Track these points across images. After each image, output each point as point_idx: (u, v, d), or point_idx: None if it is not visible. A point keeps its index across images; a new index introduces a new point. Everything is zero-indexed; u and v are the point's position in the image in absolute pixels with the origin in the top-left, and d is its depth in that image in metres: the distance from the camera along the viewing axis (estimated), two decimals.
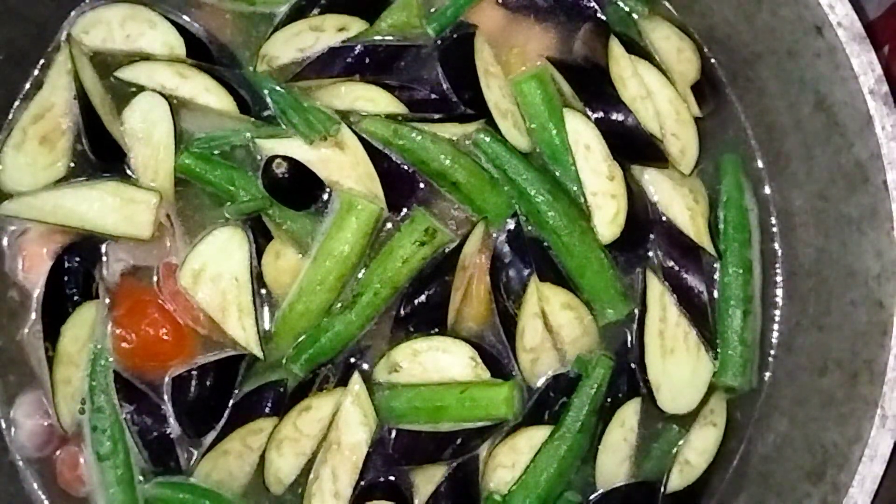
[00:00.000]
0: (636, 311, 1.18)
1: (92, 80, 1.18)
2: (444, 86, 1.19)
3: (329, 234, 1.15)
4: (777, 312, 1.23)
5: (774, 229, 1.24)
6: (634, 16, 1.24)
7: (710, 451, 1.19)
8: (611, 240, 1.17)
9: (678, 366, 1.17)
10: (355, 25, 1.19)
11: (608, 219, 1.16)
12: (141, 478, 1.17)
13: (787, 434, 1.16)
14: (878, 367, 1.01)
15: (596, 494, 1.18)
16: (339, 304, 1.16)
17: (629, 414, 1.17)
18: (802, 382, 1.16)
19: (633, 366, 1.18)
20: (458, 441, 1.15)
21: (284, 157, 1.13)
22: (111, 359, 1.16)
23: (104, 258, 1.18)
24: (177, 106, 1.17)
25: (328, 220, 1.16)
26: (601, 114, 1.16)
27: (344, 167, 1.16)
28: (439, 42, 1.21)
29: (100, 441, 1.16)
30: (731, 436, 1.21)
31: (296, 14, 1.20)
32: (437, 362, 1.14)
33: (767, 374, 1.23)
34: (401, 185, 1.18)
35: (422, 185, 1.19)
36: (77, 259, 1.17)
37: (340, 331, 1.15)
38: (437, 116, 1.17)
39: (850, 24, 1.01)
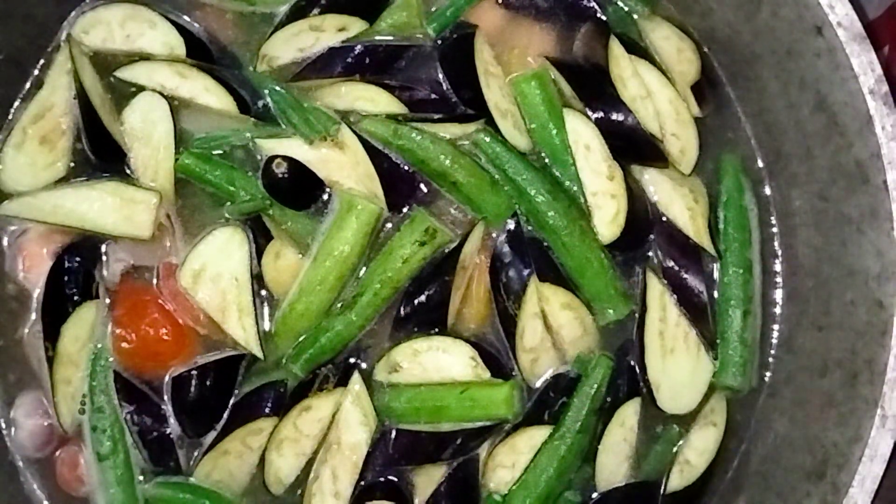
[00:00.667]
0: (636, 311, 1.18)
1: (92, 80, 1.18)
2: (444, 86, 1.19)
3: (329, 234, 1.15)
4: (777, 312, 1.23)
5: (774, 229, 1.24)
6: (634, 16, 1.24)
7: (710, 451, 1.19)
8: (611, 240, 1.17)
9: (678, 366, 1.17)
10: (355, 25, 1.19)
11: (608, 219, 1.16)
12: (141, 478, 1.17)
13: (787, 434, 1.16)
14: (878, 367, 1.01)
15: (596, 494, 1.18)
16: (340, 304, 1.16)
17: (629, 414, 1.17)
18: (802, 382, 1.16)
19: (633, 366, 1.18)
20: (458, 441, 1.15)
21: (284, 157, 1.13)
22: (111, 359, 1.16)
23: (104, 258, 1.18)
24: (177, 106, 1.17)
25: (328, 220, 1.17)
26: (601, 114, 1.16)
27: (344, 167, 1.16)
28: (439, 42, 1.21)
29: (100, 441, 1.16)
30: (731, 436, 1.21)
31: (296, 14, 1.20)
32: (437, 362, 1.14)
33: (767, 374, 1.23)
34: (401, 185, 1.18)
35: (422, 185, 1.19)
36: (77, 259, 1.17)
37: (340, 331, 1.15)
38: (437, 116, 1.17)
39: (850, 24, 1.01)
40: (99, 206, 1.15)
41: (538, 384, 1.17)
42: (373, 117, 1.16)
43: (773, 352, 1.23)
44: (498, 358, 1.17)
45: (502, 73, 1.21)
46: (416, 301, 1.15)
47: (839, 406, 1.06)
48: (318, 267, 1.15)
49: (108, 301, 1.17)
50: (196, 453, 1.16)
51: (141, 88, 1.18)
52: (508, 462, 1.15)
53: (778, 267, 1.24)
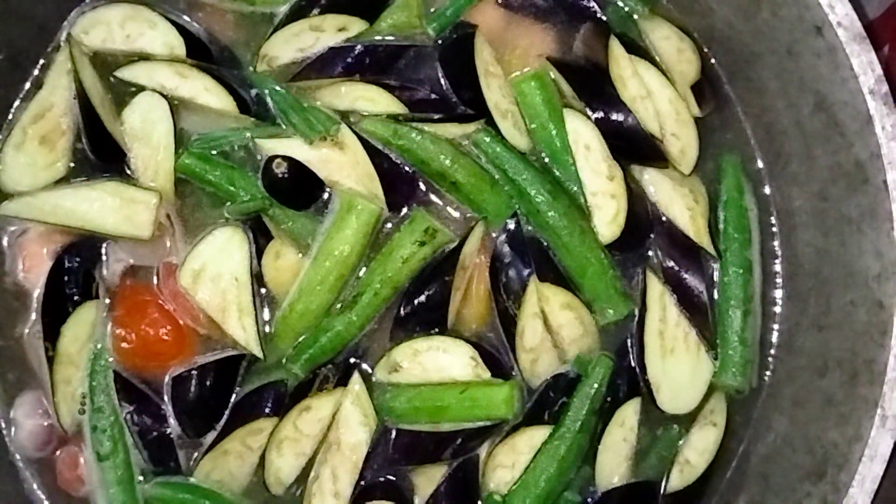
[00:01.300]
0: (636, 311, 1.18)
1: (92, 80, 1.18)
2: (444, 86, 1.19)
3: (329, 234, 1.15)
4: (777, 312, 1.23)
5: (774, 229, 1.24)
6: (634, 16, 1.24)
7: (710, 451, 1.19)
8: (611, 240, 1.17)
9: (678, 366, 1.17)
10: (355, 25, 1.19)
11: (608, 219, 1.16)
12: (141, 478, 1.17)
13: (787, 434, 1.16)
14: (878, 367, 1.01)
15: (596, 494, 1.18)
16: (340, 304, 1.16)
17: (629, 414, 1.17)
18: (802, 382, 1.16)
19: (633, 366, 1.18)
20: (458, 441, 1.15)
21: (284, 157, 1.13)
22: (111, 359, 1.16)
23: (104, 258, 1.18)
24: (177, 106, 1.17)
25: (328, 220, 1.16)
26: (601, 114, 1.16)
27: (344, 167, 1.16)
28: (439, 42, 1.21)
29: (100, 441, 1.15)
30: (731, 436, 1.21)
31: (296, 14, 1.20)
32: (437, 362, 1.14)
33: (767, 374, 1.23)
34: (401, 185, 1.18)
35: (422, 185, 1.19)
36: (77, 259, 1.17)
37: (340, 331, 1.15)
38: (437, 116, 1.17)
39: (850, 24, 1.01)
40: (99, 206, 1.15)
41: (538, 384, 1.17)
42: (373, 117, 1.17)
43: (773, 352, 1.23)
44: (498, 358, 1.17)
45: (502, 73, 1.21)
46: (416, 301, 1.15)
47: (839, 406, 1.06)
48: (318, 267, 1.15)
49: (107, 301, 1.17)
50: (196, 453, 1.16)
51: (141, 88, 1.18)
52: (508, 462, 1.15)
53: (778, 267, 1.24)
